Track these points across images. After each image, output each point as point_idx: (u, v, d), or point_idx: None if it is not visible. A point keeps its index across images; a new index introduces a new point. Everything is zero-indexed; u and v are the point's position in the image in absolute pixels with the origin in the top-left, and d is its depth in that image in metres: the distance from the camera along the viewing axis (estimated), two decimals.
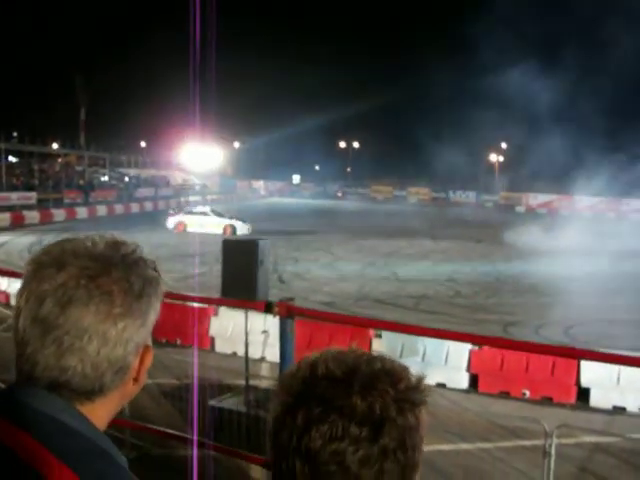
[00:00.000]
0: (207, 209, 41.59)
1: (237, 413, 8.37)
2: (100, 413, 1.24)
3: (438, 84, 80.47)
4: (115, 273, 1.21)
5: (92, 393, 1.21)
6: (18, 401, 1.18)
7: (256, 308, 5.55)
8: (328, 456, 1.06)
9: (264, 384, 9.62)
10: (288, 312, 3.86)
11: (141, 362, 1.27)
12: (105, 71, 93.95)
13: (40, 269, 1.21)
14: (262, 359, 12.15)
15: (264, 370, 11.73)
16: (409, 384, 1.13)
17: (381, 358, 1.16)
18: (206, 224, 38.43)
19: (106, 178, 76.79)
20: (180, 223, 39.88)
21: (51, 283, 1.18)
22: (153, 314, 1.27)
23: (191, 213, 40.99)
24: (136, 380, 1.28)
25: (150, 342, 1.29)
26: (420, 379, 1.15)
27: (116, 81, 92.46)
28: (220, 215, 40.07)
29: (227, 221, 39.25)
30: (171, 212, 43.46)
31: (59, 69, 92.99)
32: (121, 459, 1.24)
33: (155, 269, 1.30)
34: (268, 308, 3.84)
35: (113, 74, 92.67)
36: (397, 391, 1.11)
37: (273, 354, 12.19)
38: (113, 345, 1.19)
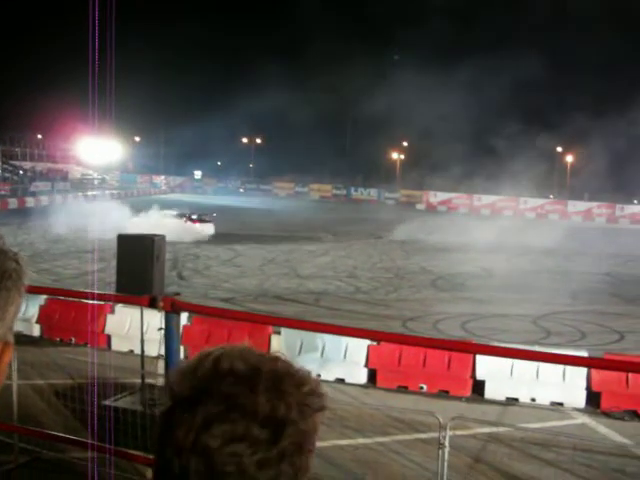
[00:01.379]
0: (170, 211, 38.34)
1: (132, 412, 8.17)
2: None
3: (342, 81, 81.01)
4: None
5: None
6: None
7: (141, 303, 5.38)
8: (226, 456, 1.01)
9: (161, 382, 9.40)
10: (173, 307, 3.75)
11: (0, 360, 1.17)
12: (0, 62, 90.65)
13: None
14: (159, 357, 11.92)
15: (161, 368, 11.51)
16: (312, 388, 1.10)
17: (284, 359, 1.13)
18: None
19: None
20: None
21: None
22: (13, 309, 1.18)
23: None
24: None
25: (11, 339, 1.19)
26: (319, 384, 1.12)
27: (10, 70, 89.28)
28: (183, 216, 37.27)
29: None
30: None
31: None
32: None
33: (17, 261, 1.20)
34: (152, 303, 3.72)
35: (7, 63, 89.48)
36: (301, 394, 1.08)
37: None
38: None
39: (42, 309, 13.80)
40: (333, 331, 8.02)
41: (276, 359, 1.12)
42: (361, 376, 12.11)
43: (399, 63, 76.91)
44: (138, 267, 7.44)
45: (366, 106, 74.56)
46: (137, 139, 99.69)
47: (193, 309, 5.15)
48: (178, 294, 3.83)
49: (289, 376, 1.09)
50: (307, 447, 1.08)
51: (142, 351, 9.45)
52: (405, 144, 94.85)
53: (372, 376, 12.16)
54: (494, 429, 9.91)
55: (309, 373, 1.13)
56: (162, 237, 7.89)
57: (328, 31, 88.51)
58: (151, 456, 6.54)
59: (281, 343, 12.25)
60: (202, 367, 1.09)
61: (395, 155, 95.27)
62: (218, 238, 34.46)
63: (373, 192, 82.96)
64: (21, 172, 75.37)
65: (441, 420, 6.37)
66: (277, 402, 1.04)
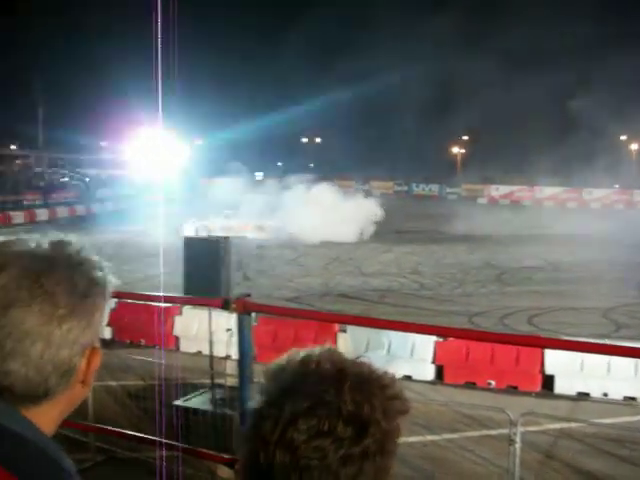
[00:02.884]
0: (230, 211, 38.17)
1: (203, 412, 8.31)
2: (47, 417, 1.20)
3: (400, 76, 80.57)
4: (59, 273, 1.18)
5: (37, 397, 1.17)
6: None
7: (213, 305, 5.50)
8: (311, 451, 1.06)
9: (229, 382, 9.52)
10: (245, 308, 3.83)
11: (88, 364, 1.23)
12: (64, 70, 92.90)
13: None
14: (227, 357, 12.07)
15: (229, 368, 11.66)
16: (396, 392, 1.15)
17: (369, 363, 1.18)
18: (233, 228, 35.11)
19: (66, 179, 75.91)
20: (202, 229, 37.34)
21: None
22: (99, 315, 1.24)
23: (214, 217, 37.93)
24: (84, 383, 1.24)
25: (98, 343, 1.25)
26: (403, 388, 1.17)
27: (75, 80, 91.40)
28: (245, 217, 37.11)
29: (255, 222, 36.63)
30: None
31: (15, 69, 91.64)
32: (67, 464, 1.19)
33: (101, 269, 1.26)
34: (225, 305, 3.80)
35: (71, 73, 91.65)
36: (384, 396, 1.12)
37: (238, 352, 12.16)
38: (57, 347, 1.16)
39: (112, 312, 14.08)
40: (399, 328, 8.01)
41: (361, 362, 1.17)
42: (428, 373, 12.07)
43: (458, 57, 75.98)
44: (205, 269, 7.56)
45: (425, 100, 74.15)
46: (198, 142, 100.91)
47: (264, 310, 5.23)
48: (249, 295, 3.89)
49: (374, 378, 1.14)
50: (389, 448, 1.12)
51: (211, 352, 9.59)
52: (466, 138, 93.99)
53: (439, 372, 12.11)
54: (565, 425, 9.77)
55: (393, 376, 1.18)
56: (228, 239, 8.00)
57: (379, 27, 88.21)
58: (222, 454, 6.66)
59: (347, 341, 12.28)
60: (290, 367, 1.14)
61: (456, 149, 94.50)
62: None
63: (434, 188, 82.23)
64: (87, 179, 77.12)
65: (511, 416, 6.33)
66: (362, 402, 1.09)
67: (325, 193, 37.47)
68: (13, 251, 1.20)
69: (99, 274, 1.25)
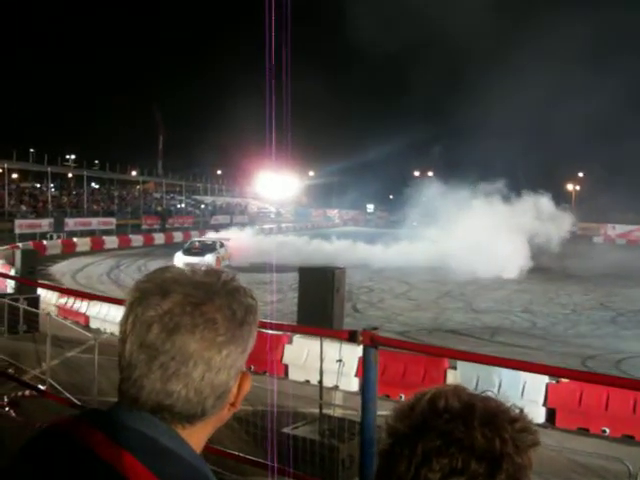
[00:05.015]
0: None
1: (311, 441, 8.35)
2: (198, 437, 1.27)
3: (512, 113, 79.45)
4: (218, 301, 1.24)
5: (194, 417, 1.24)
6: (122, 422, 1.22)
7: (339, 337, 5.57)
8: None
9: (338, 413, 9.55)
10: (372, 341, 3.87)
11: (239, 388, 1.30)
12: (182, 100, 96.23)
13: (145, 296, 1.25)
14: (336, 387, 12.12)
15: (338, 399, 11.69)
16: (525, 424, 1.14)
17: (495, 398, 1.18)
18: None
19: (183, 205, 78.24)
20: None
21: (156, 310, 1.22)
22: (252, 341, 1.30)
23: None
24: (232, 405, 1.31)
25: (245, 368, 1.31)
26: (531, 421, 1.16)
27: (193, 110, 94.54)
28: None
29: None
30: None
31: (137, 101, 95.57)
32: None
33: (252, 297, 1.32)
34: (352, 337, 3.86)
35: (190, 103, 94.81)
36: (514, 430, 1.12)
37: (347, 383, 12.16)
38: (217, 371, 1.22)
39: None
40: (511, 365, 7.82)
41: (488, 397, 1.18)
42: (539, 415, 11.72)
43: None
44: (319, 299, 7.65)
45: (536, 139, 72.82)
46: (311, 173, 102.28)
47: (391, 343, 5.27)
48: (376, 328, 3.94)
49: (502, 412, 1.14)
50: None
51: (321, 381, 9.64)
52: (581, 174, 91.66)
53: (551, 416, 11.75)
54: None
55: (521, 410, 1.17)
56: (342, 270, 8.07)
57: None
58: None
59: (457, 378, 12.12)
60: (419, 406, 1.15)
61: (570, 186, 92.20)
62: (390, 270, 34.60)
63: None
64: (202, 206, 79.30)
65: (631, 468, 6.09)
66: (492, 437, 1.09)
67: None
68: (174, 278, 1.27)
69: (252, 301, 1.31)
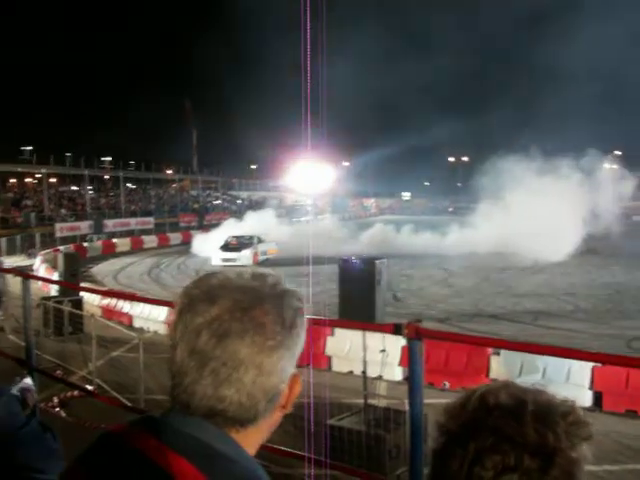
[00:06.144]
0: None
1: (357, 432, 8.37)
2: (251, 440, 1.28)
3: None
4: (266, 305, 1.25)
5: (247, 421, 1.25)
6: (175, 428, 1.23)
7: (384, 330, 5.58)
8: None
9: (382, 403, 9.55)
10: (417, 334, 3.88)
11: (290, 390, 1.30)
12: (215, 97, 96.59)
13: (193, 302, 1.26)
14: (379, 378, 12.13)
15: (382, 389, 11.70)
16: (577, 417, 1.13)
17: (546, 392, 1.16)
18: None
19: (219, 201, 78.62)
20: None
21: (205, 316, 1.23)
22: (301, 343, 1.30)
23: None
24: (283, 407, 1.31)
25: (295, 370, 1.32)
26: (584, 415, 1.15)
27: (226, 106, 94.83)
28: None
29: None
30: None
31: (172, 99, 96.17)
32: None
33: (300, 299, 1.32)
34: (397, 330, 3.87)
35: (223, 101, 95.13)
36: (567, 423, 1.10)
37: (390, 373, 12.18)
38: (268, 375, 1.23)
39: None
40: (557, 353, 7.73)
41: (539, 391, 1.15)
42: (586, 399, 11.60)
43: None
44: (360, 291, 7.65)
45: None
46: (346, 164, 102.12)
47: (436, 335, 5.26)
48: (420, 321, 3.94)
49: (554, 406, 1.12)
50: (577, 476, 1.09)
51: (364, 372, 9.65)
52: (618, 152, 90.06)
53: (597, 399, 11.64)
54: None
55: (573, 403, 1.15)
56: (383, 260, 8.07)
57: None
58: (376, 474, 6.67)
59: (500, 364, 12.06)
60: (470, 403, 1.14)
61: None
62: (429, 258, 34.45)
63: None
64: (238, 201, 79.65)
65: None
66: (545, 432, 1.07)
67: None
68: (221, 284, 1.28)
69: (300, 304, 1.31)
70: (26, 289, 8.03)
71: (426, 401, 4.10)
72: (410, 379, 3.87)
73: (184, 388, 1.24)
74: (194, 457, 1.19)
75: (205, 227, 57.26)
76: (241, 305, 1.23)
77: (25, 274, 8.94)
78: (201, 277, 1.33)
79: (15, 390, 2.52)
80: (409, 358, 3.87)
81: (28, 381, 2.68)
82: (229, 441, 1.24)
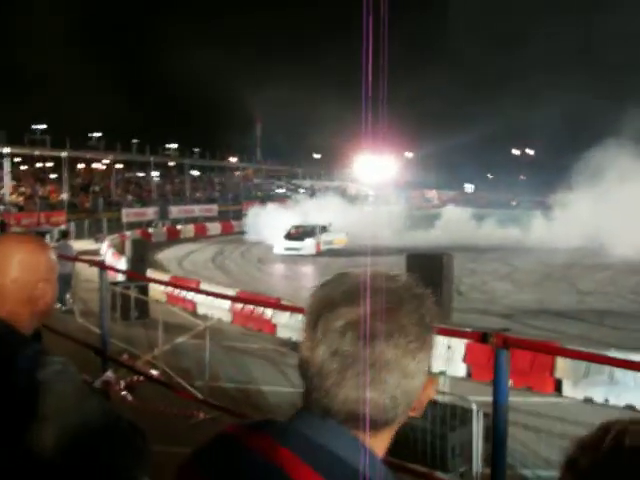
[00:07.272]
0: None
1: (421, 430, 8.32)
2: (382, 444, 1.26)
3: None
4: (407, 306, 1.23)
5: (384, 424, 1.23)
6: (302, 433, 1.23)
7: (470, 338, 5.52)
8: None
9: (445, 399, 9.47)
10: (505, 343, 3.84)
11: (424, 392, 1.28)
12: (279, 86, 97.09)
13: (333, 303, 1.24)
14: (443, 373, 12.04)
15: (445, 385, 11.62)
16: None
17: None
18: None
19: (282, 190, 79.12)
20: None
21: (348, 317, 1.21)
22: (434, 346, 1.29)
23: None
24: (413, 410, 1.28)
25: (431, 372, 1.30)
26: None
27: (290, 95, 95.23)
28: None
29: None
30: None
31: (235, 88, 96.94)
32: None
33: (433, 302, 1.31)
34: (484, 339, 3.83)
35: (286, 90, 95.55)
36: None
37: (454, 369, 12.09)
38: (411, 377, 1.21)
39: None
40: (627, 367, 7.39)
41: None
42: None
43: None
44: (426, 285, 7.55)
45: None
46: (409, 155, 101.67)
47: (524, 345, 5.17)
48: (507, 330, 3.91)
49: None
50: None
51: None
52: None
53: None
54: None
55: None
56: (450, 256, 7.98)
57: None
58: (438, 472, 6.58)
59: (566, 363, 11.86)
60: (604, 442, 1.09)
61: None
62: (493, 252, 34.05)
63: None
64: (301, 190, 79.99)
65: None
66: None
67: None
68: (359, 285, 1.25)
69: (435, 306, 1.30)
70: (103, 280, 8.08)
71: (482, 399, 4.00)
72: (495, 388, 3.82)
73: (325, 391, 1.21)
74: (324, 471, 1.17)
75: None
76: (383, 307, 1.21)
77: (102, 264, 9.06)
78: (335, 277, 1.31)
79: (97, 383, 2.56)
80: (495, 367, 3.82)
81: (109, 374, 2.73)
82: (365, 450, 1.21)
